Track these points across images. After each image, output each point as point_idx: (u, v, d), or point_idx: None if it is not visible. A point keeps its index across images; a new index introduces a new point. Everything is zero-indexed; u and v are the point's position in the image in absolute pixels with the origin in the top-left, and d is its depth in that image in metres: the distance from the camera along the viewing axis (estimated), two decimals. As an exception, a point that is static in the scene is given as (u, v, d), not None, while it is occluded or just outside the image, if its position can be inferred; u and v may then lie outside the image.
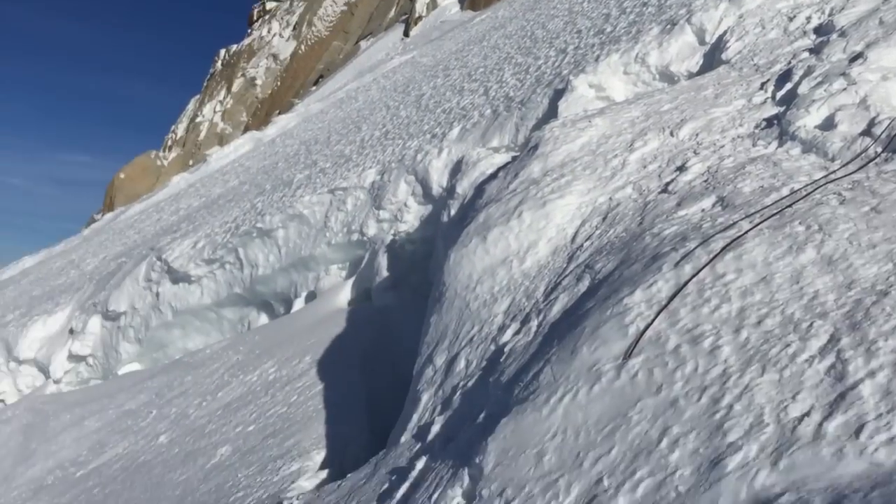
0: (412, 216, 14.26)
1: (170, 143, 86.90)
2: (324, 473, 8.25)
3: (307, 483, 8.06)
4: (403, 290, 13.57)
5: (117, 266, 21.29)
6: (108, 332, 17.81)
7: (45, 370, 17.78)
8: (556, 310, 6.01)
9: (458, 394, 6.26)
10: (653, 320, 4.55)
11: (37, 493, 12.64)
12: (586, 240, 7.02)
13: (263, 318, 16.60)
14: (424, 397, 6.82)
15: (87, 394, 16.35)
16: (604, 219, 7.19)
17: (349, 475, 7.01)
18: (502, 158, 12.37)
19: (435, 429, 6.03)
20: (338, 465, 8.42)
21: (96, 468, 12.38)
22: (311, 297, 15.49)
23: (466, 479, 4.66)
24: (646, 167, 7.80)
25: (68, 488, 12.18)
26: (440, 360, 7.11)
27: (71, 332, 18.04)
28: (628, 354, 4.40)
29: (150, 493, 10.37)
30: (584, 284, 6.03)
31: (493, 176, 10.29)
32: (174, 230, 22.59)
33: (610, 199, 7.49)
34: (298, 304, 15.55)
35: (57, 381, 17.45)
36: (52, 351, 17.84)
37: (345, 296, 14.52)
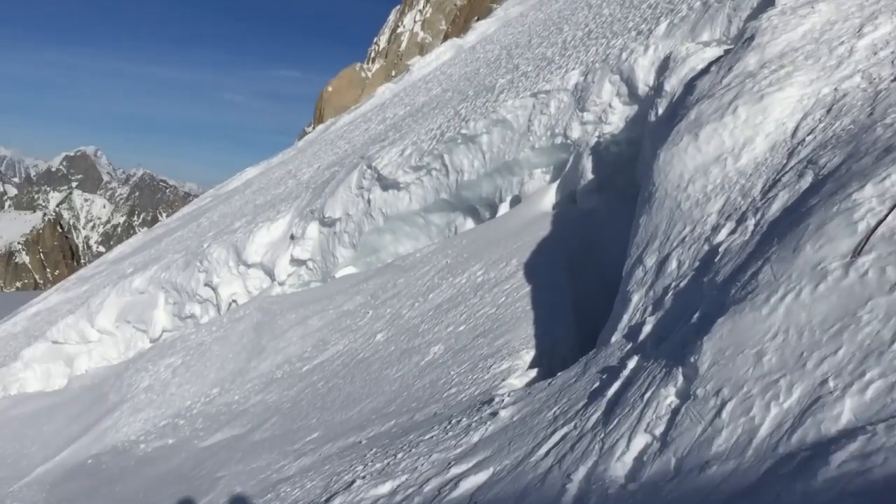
0: (617, 117, 13.94)
1: (373, 54, 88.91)
2: (533, 372, 8.43)
3: (517, 381, 8.28)
4: (609, 192, 13.39)
5: (331, 175, 22.29)
6: (325, 237, 18.80)
7: (270, 273, 19.07)
8: (776, 208, 5.74)
9: (669, 294, 6.17)
10: (885, 216, 4.26)
11: (268, 385, 13.75)
12: (808, 134, 6.61)
13: (469, 223, 16.94)
14: (635, 298, 6.77)
15: (308, 295, 17.43)
16: (828, 111, 6.73)
17: (559, 374, 7.13)
18: (714, 53, 11.78)
19: (646, 329, 5.99)
20: (546, 365, 8.58)
21: (320, 364, 13.27)
22: (515, 201, 15.61)
23: (680, 379, 4.63)
24: (876, 54, 7.18)
25: (295, 382, 13.16)
26: (651, 261, 7.01)
27: (292, 237, 19.18)
28: (858, 252, 4.15)
29: (369, 387, 11.03)
30: (807, 181, 5.71)
31: (704, 71, 9.84)
32: (382, 139, 23.28)
33: (835, 89, 6.99)
34: (503, 208, 15.73)
35: (281, 284, 18.69)
36: (275, 255, 19.09)
37: (549, 199, 14.53)
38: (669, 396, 4.59)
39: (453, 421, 7.57)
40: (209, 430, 12.92)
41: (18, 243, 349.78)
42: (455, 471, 6.19)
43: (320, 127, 47.17)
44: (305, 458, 9.22)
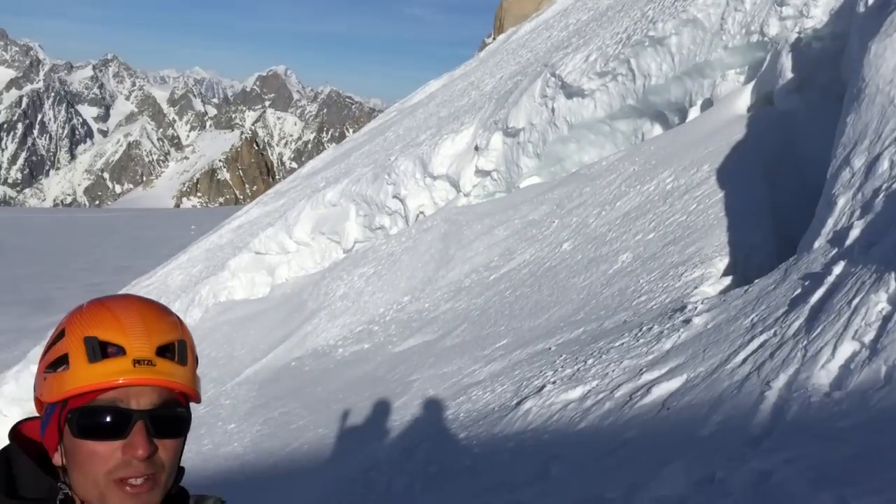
0: (820, 10, 12.93)
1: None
2: (727, 280, 8.18)
3: (710, 289, 8.06)
4: (810, 91, 12.56)
5: (514, 85, 22.10)
6: (508, 147, 18.77)
7: (455, 185, 19.33)
8: None
9: (881, 196, 5.76)
10: None
11: (456, 293, 14.08)
12: None
13: (657, 129, 16.41)
14: (841, 201, 6.37)
15: (494, 205, 17.58)
16: None
17: (756, 281, 6.87)
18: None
19: (854, 233, 5.64)
20: (741, 272, 8.30)
21: (507, 272, 13.42)
22: (706, 104, 14.95)
23: (893, 284, 4.35)
24: None
25: (483, 290, 13.40)
26: (859, 162, 6.55)
27: (476, 149, 19.29)
28: None
29: (557, 295, 11.07)
30: None
31: (924, -49, 8.91)
32: (565, 46, 22.77)
33: None
34: (693, 112, 15.11)
35: (466, 195, 18.91)
36: (460, 167, 19.28)
37: (743, 101, 13.81)
38: (880, 303, 4.33)
39: (644, 328, 7.49)
40: (402, 336, 13.43)
41: (219, 161, 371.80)
42: (647, 377, 6.15)
43: (501, 37, 46.65)
44: (495, 364, 9.43)
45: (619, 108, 16.81)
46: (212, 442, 11.55)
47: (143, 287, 23.79)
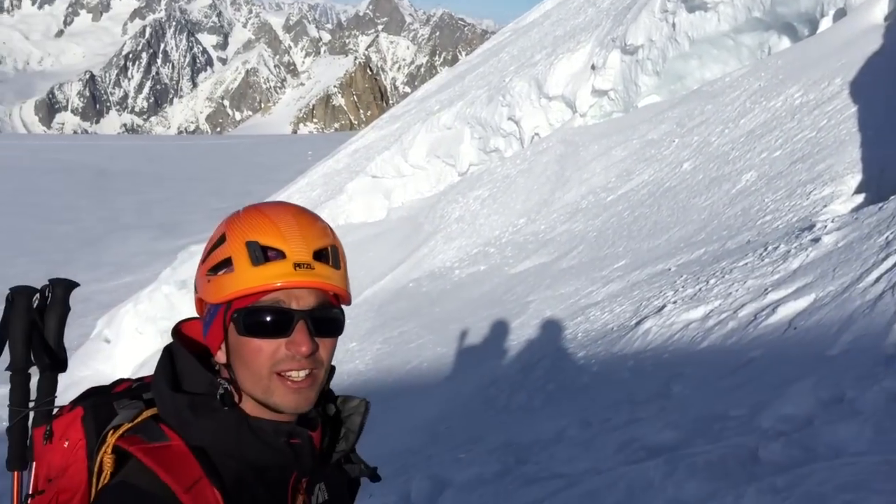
0: None
1: None
2: (859, 198, 7.85)
3: (841, 207, 7.76)
4: (955, -3, 11.72)
5: (632, 0, 21.40)
6: (626, 65, 18.27)
7: (571, 105, 19.00)
8: None
9: None
10: None
11: (573, 215, 13.98)
12: None
13: (785, 42, 15.63)
14: None
15: (611, 125, 17.25)
16: None
17: (891, 198, 6.57)
18: None
19: None
20: (874, 190, 7.93)
21: (624, 193, 13.22)
22: (839, 15, 14.12)
23: None
24: None
25: (600, 211, 13.25)
26: None
27: (593, 67, 18.85)
28: None
29: (676, 216, 10.86)
30: None
31: None
32: (686, -43, 21.81)
33: None
34: (825, 23, 14.30)
35: (583, 115, 18.58)
36: (576, 87, 18.91)
37: (880, 10, 12.97)
38: None
39: (769, 248, 7.29)
40: (518, 257, 13.48)
41: (334, 86, 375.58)
42: (772, 297, 6.02)
43: (618, -49, 44.98)
44: (613, 285, 9.38)
45: (745, 21, 16.06)
46: (334, 360, 11.96)
47: (266, 211, 24.56)
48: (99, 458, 1.45)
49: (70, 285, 1.87)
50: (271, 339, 1.44)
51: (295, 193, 25.43)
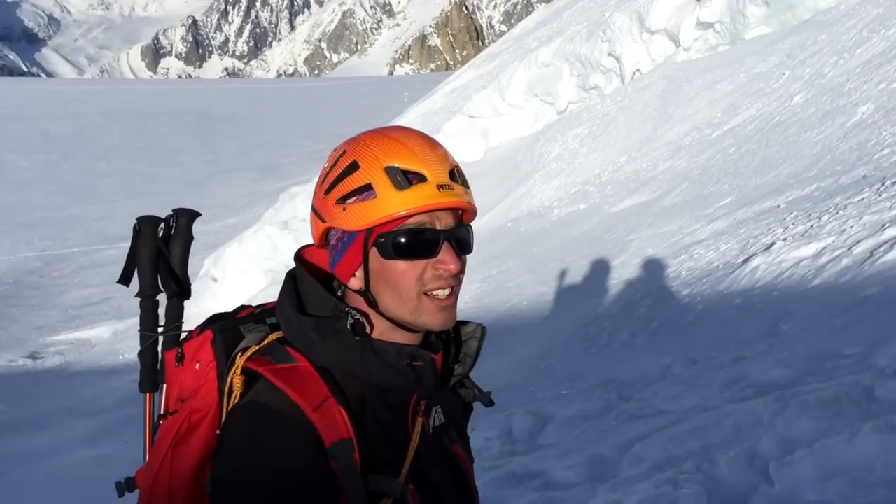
0: None
1: None
2: None
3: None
4: None
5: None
6: (734, -4, 17.56)
7: (674, 39, 18.41)
8: None
9: None
10: None
11: (676, 152, 13.64)
12: None
13: (906, -33, 14.74)
14: None
15: (716, 59, 16.66)
16: None
17: None
18: None
19: None
20: None
21: (730, 129, 12.82)
22: (968, -66, 13.22)
23: None
24: None
25: (704, 148, 12.89)
26: None
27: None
28: None
29: (786, 151, 10.48)
30: None
31: None
32: None
33: None
34: (952, -56, 13.42)
35: (686, 49, 17.98)
36: (680, 19, 18.29)
37: None
38: None
39: (887, 182, 6.99)
40: (618, 196, 13.27)
41: (430, 27, 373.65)
42: (890, 233, 5.78)
43: None
44: (718, 223, 9.16)
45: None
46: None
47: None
48: (229, 379, 1.50)
49: (193, 215, 1.93)
50: (418, 261, 1.48)
51: (392, 134, 25.55)
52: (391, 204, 1.45)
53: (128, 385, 14.73)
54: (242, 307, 1.71)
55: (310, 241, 1.65)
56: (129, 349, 17.51)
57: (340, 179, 1.50)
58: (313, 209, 1.58)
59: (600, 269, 9.72)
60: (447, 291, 1.50)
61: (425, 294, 1.49)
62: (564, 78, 20.57)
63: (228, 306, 1.70)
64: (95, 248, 29.53)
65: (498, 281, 11.70)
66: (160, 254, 1.88)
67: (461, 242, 1.52)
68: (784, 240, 7.05)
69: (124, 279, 1.91)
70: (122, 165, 46.81)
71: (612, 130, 16.61)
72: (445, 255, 1.48)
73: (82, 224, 33.97)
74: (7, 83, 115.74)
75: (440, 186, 1.46)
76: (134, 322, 19.88)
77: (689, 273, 7.97)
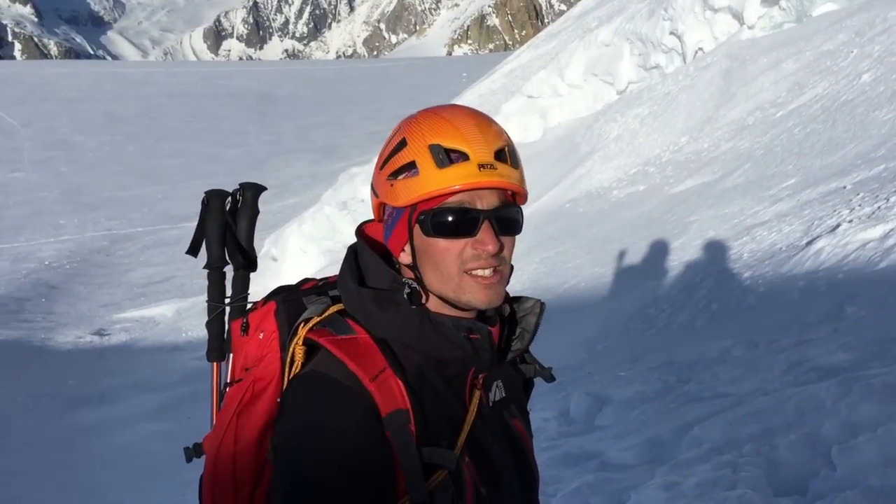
0: None
1: None
2: None
3: None
4: None
5: None
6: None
7: (738, 16, 18.03)
8: None
9: None
10: None
11: (738, 132, 13.39)
12: None
13: (983, -61, 14.21)
14: None
15: (781, 37, 16.27)
16: None
17: None
18: None
19: None
20: None
21: (795, 108, 12.54)
22: None
23: None
24: None
25: (768, 128, 12.64)
26: None
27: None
28: None
29: (853, 131, 10.23)
30: None
31: None
32: None
33: None
34: None
35: (751, 27, 17.58)
36: (744, -3, 17.91)
37: None
38: None
39: (960, 163, 6.78)
40: (679, 177, 13.09)
41: (489, 7, 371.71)
42: (963, 214, 5.61)
43: None
44: (782, 204, 8.99)
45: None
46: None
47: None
48: (291, 349, 1.54)
49: (259, 189, 1.98)
50: (458, 239, 1.49)
51: (451, 115, 25.50)
52: (431, 181, 1.47)
53: (191, 362, 15.07)
54: (306, 280, 1.76)
55: (370, 217, 1.68)
56: (192, 327, 17.88)
57: (391, 156, 1.54)
58: (371, 185, 1.61)
59: (659, 250, 9.62)
60: (489, 271, 1.51)
61: (466, 273, 1.50)
62: (625, 57, 20.30)
63: (287, 287, 1.74)
64: (159, 228, 30.15)
65: (555, 262, 11.65)
66: (227, 227, 1.93)
67: (504, 222, 1.52)
68: (850, 221, 6.89)
69: (192, 250, 1.97)
70: (185, 146, 47.64)
71: (672, 110, 16.36)
72: (484, 234, 1.49)
73: (146, 204, 34.69)
74: (74, 66, 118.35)
75: (481, 166, 1.47)
76: (197, 300, 20.29)
77: (751, 255, 7.85)
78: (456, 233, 1.49)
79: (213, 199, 1.93)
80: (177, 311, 20.00)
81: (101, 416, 12.82)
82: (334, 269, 1.69)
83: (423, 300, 1.54)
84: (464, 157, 1.47)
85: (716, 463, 4.03)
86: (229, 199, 1.95)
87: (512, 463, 1.64)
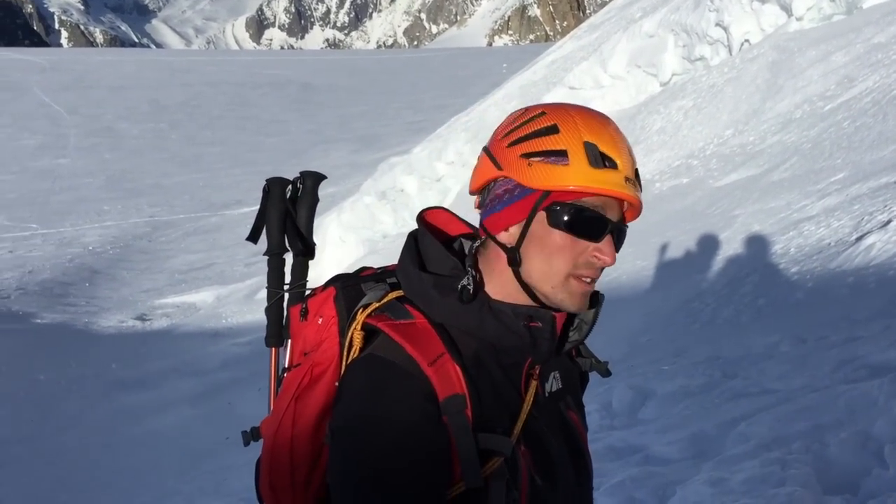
0: None
1: None
2: None
3: None
4: None
5: None
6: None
7: (786, 8, 17.75)
8: None
9: None
10: None
11: (785, 125, 13.19)
12: None
13: None
14: None
15: (831, 29, 15.98)
16: None
17: None
18: None
19: None
20: None
21: (845, 102, 12.31)
22: None
23: None
24: None
25: (816, 121, 12.43)
26: None
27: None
28: None
29: (905, 126, 10.03)
30: None
31: None
32: None
33: None
34: None
35: (799, 19, 17.29)
36: (793, -12, 17.61)
37: None
38: None
39: None
40: (723, 170, 12.94)
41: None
42: None
43: None
44: (830, 198, 8.84)
45: None
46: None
47: (462, 123, 24.69)
48: (350, 334, 1.54)
49: (319, 177, 1.99)
50: (581, 241, 1.48)
51: (491, 106, 25.44)
52: (582, 177, 1.46)
53: (231, 348, 15.23)
54: (364, 268, 1.76)
55: (424, 206, 1.68)
56: (232, 313, 18.05)
57: (535, 136, 1.51)
58: (489, 154, 1.57)
59: (703, 244, 9.51)
60: (591, 279, 1.52)
61: (573, 276, 1.50)
62: (669, 49, 20.07)
63: (327, 275, 1.75)
64: (200, 216, 30.48)
65: (597, 255, 11.56)
66: (287, 214, 1.93)
67: (621, 236, 1.54)
68: (903, 217, 6.76)
69: (253, 237, 1.99)
70: (227, 135, 48.10)
71: (717, 103, 16.16)
72: (606, 245, 1.49)
73: (188, 191, 35.10)
74: (119, 54, 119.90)
75: (627, 179, 1.48)
76: (236, 287, 20.50)
77: (798, 250, 7.73)
78: (585, 234, 1.48)
79: (273, 187, 1.95)
80: (217, 298, 20.21)
81: (142, 400, 13.01)
82: (373, 259, 1.69)
83: (486, 289, 1.54)
84: (614, 164, 1.47)
85: (764, 460, 3.96)
86: (290, 186, 1.97)
87: (567, 454, 1.63)
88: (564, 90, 21.74)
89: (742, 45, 18.16)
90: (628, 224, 1.56)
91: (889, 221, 6.82)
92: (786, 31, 17.05)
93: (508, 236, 1.53)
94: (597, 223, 1.48)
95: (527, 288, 1.52)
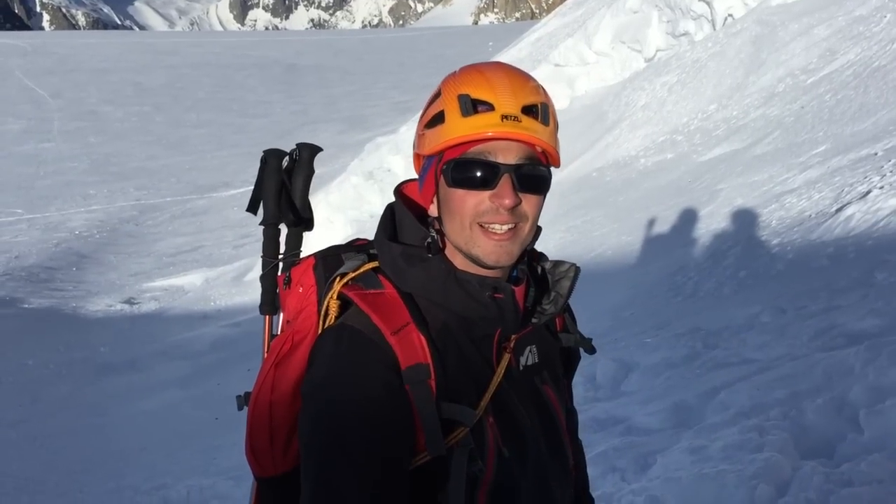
0: None
1: None
2: None
3: None
4: None
5: None
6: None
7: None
8: None
9: None
10: None
11: (768, 99, 13.24)
12: None
13: None
14: None
15: (813, 2, 16.00)
16: None
17: None
18: None
19: None
20: None
21: (827, 75, 12.37)
22: None
23: None
24: None
25: (799, 95, 12.49)
26: None
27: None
28: None
29: (886, 97, 10.11)
30: None
31: None
32: None
33: None
34: None
35: (783, -7, 17.34)
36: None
37: None
38: None
39: None
40: (707, 145, 12.99)
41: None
42: None
43: None
44: (812, 171, 8.91)
45: None
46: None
47: (448, 101, 24.55)
48: (325, 303, 1.57)
49: (315, 149, 2.01)
50: (476, 191, 1.48)
51: (477, 84, 25.31)
52: (454, 129, 1.47)
53: (219, 330, 15.23)
54: (357, 239, 1.78)
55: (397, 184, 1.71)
56: (220, 296, 18.03)
57: (426, 109, 1.56)
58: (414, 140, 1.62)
59: (687, 218, 9.57)
60: (504, 227, 1.49)
61: (480, 225, 1.49)
62: (653, 24, 20.07)
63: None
64: (187, 198, 30.33)
65: (582, 230, 11.63)
66: (283, 185, 1.97)
67: (526, 178, 1.49)
68: (881, 188, 6.82)
69: (252, 208, 2.02)
70: (212, 116, 47.77)
71: (701, 78, 16.19)
72: (503, 188, 1.46)
73: (174, 174, 34.90)
74: (102, 36, 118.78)
75: (505, 117, 1.45)
76: (224, 270, 20.44)
77: (780, 222, 7.80)
78: (475, 184, 1.47)
79: (270, 159, 1.98)
80: (205, 280, 20.17)
81: (131, 382, 13.02)
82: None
83: (446, 252, 1.55)
84: (489, 107, 1.45)
85: (742, 427, 4.04)
86: (286, 158, 1.98)
87: (539, 427, 1.64)
88: (550, 67, 21.69)
89: (725, 19, 18.19)
90: (547, 165, 1.53)
91: (868, 192, 6.89)
92: (768, 5, 17.07)
93: (434, 208, 1.56)
94: (482, 168, 1.46)
95: (460, 252, 1.53)
